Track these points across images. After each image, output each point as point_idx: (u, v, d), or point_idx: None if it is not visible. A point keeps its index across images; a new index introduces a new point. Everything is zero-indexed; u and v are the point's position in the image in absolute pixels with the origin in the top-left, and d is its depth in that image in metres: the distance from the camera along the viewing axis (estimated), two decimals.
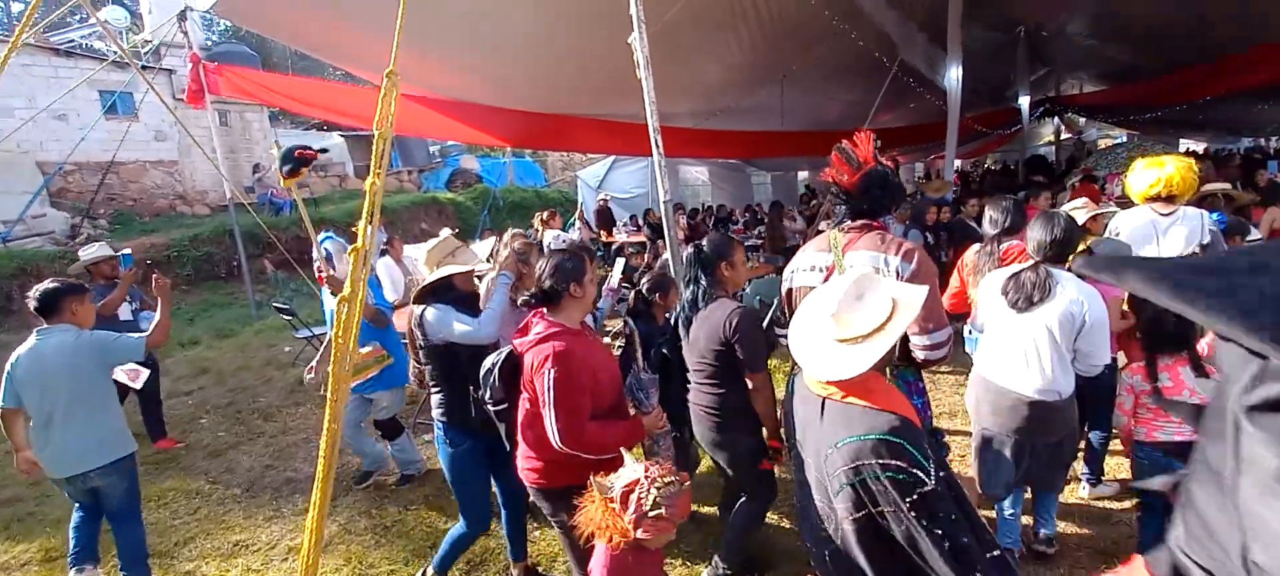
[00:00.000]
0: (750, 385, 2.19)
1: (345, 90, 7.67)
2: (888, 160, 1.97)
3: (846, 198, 1.97)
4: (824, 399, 1.40)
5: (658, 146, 3.07)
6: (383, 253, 5.63)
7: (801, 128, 10.72)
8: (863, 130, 1.99)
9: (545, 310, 1.96)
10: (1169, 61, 9.23)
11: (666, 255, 5.72)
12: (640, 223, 10.59)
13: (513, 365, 1.98)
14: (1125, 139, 21.85)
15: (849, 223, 1.98)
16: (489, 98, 6.86)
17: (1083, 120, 19.62)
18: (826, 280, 2.03)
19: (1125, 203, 3.53)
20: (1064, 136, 18.58)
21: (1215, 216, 2.99)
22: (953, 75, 7.46)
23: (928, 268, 1.86)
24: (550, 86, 6.76)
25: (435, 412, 2.46)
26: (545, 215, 5.48)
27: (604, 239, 9.30)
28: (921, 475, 1.22)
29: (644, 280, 2.87)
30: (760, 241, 8.31)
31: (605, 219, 10.47)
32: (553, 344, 1.84)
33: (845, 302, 1.38)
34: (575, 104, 7.39)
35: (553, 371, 1.79)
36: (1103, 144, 22.92)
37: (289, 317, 6.10)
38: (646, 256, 6.36)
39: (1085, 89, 14.33)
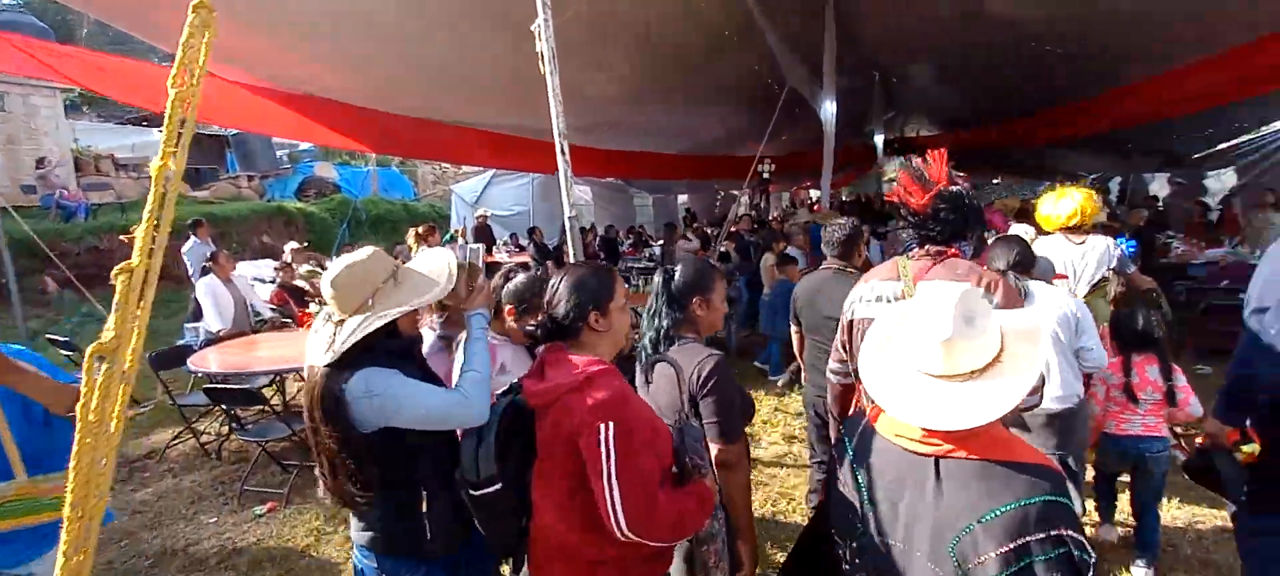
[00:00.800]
0: (718, 458, 1.66)
1: (165, 74, 6.36)
2: (962, 178, 1.78)
3: (915, 221, 1.79)
4: (935, 457, 1.02)
5: (563, 154, 2.64)
6: (205, 271, 4.59)
7: (685, 149, 10.82)
8: (936, 149, 1.80)
9: (562, 347, 1.43)
10: (997, 112, 10.47)
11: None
12: (522, 242, 10.01)
13: (515, 424, 1.41)
14: None
15: (918, 249, 1.83)
16: (353, 96, 5.98)
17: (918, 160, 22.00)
18: None
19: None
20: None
21: (1123, 242, 3.22)
22: (828, 108, 7.82)
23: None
24: (426, 89, 6.05)
25: (358, 537, 1.61)
26: (421, 229, 4.79)
27: (484, 260, 8.59)
28: (1089, 550, 0.91)
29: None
30: (652, 264, 8.09)
31: (484, 237, 9.73)
32: (602, 387, 1.30)
33: (958, 326, 1.02)
34: (455, 111, 6.72)
35: (611, 426, 1.26)
36: None
37: (69, 353, 4.78)
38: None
39: (922, 133, 16.20)
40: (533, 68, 2.63)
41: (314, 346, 1.52)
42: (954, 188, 1.76)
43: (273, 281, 5.91)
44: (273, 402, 3.72)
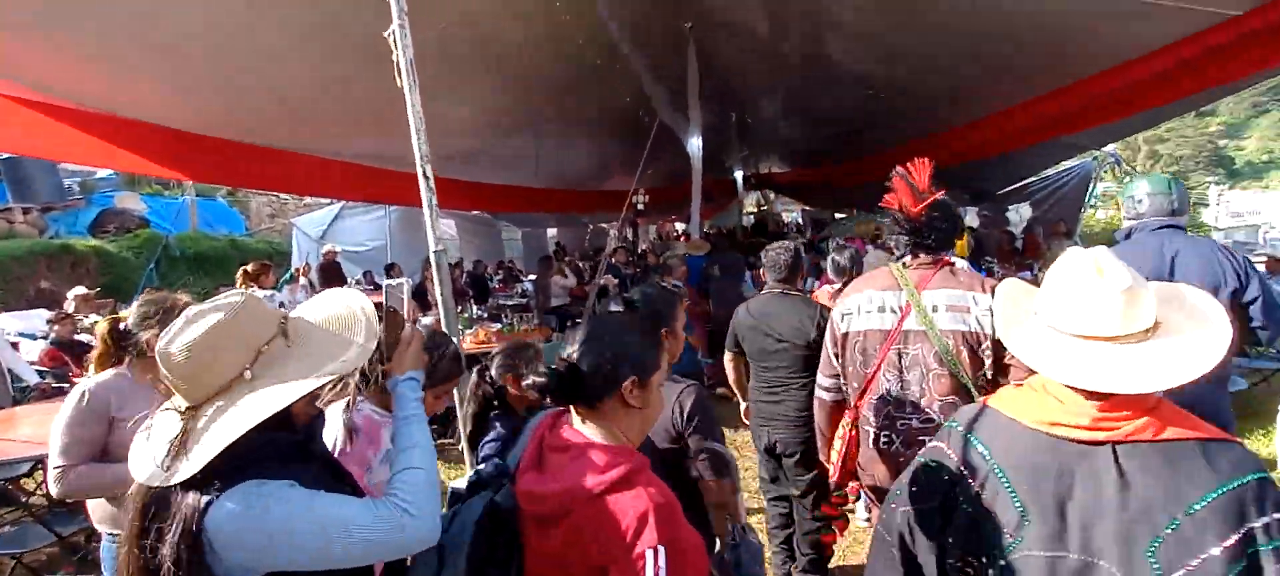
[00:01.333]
0: (715, 497, 1.49)
1: None
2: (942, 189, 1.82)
3: (909, 228, 1.82)
4: (1111, 443, 0.84)
5: (427, 179, 2.30)
6: None
7: (553, 183, 10.63)
8: (918, 160, 1.84)
9: (575, 416, 1.04)
10: (838, 152, 11.55)
11: (429, 320, 4.75)
12: (378, 280, 9.17)
13: (493, 538, 1.01)
14: (799, 212, 27.05)
15: (911, 258, 1.86)
16: (168, 116, 5.01)
17: (773, 194, 23.86)
18: (902, 322, 1.79)
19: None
20: (763, 207, 22.43)
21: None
22: (695, 144, 8.08)
23: None
24: (260, 110, 5.27)
25: None
26: (250, 268, 4.05)
27: None
28: None
29: (493, 356, 1.96)
30: (525, 300, 7.71)
31: (333, 275, 8.74)
32: (643, 492, 0.93)
33: (1134, 278, 0.90)
34: (304, 138, 5.94)
35: (662, 553, 0.88)
36: (785, 216, 27.88)
37: None
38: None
39: (775, 169, 17.60)
40: (392, 92, 2.29)
41: (144, 455, 0.93)
42: (943, 197, 1.81)
43: (46, 337, 4.73)
44: (35, 497, 2.87)
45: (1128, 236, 2.38)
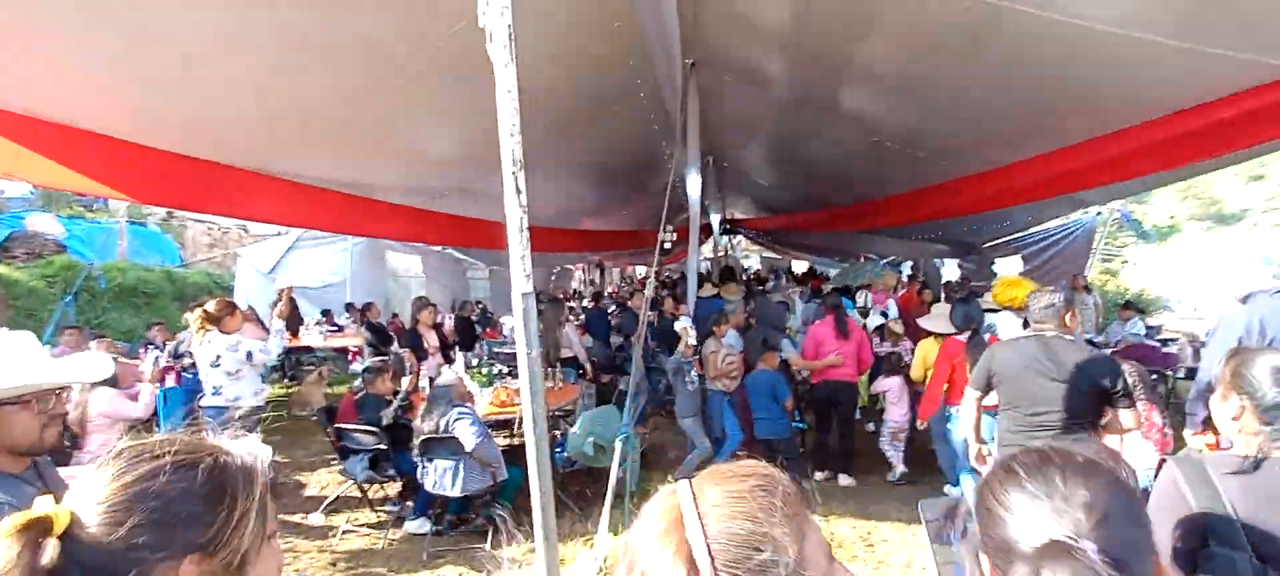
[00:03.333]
0: None
1: None
2: None
3: None
4: None
5: (520, 192, 1.71)
6: None
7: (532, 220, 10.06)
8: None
9: None
10: (820, 199, 11.48)
11: (450, 373, 4.01)
12: (339, 320, 8.26)
13: None
14: (758, 259, 27.25)
15: None
16: (114, 125, 4.08)
17: (736, 241, 23.93)
18: None
19: None
20: (726, 253, 22.43)
21: None
22: (694, 183, 7.76)
23: None
24: (227, 125, 4.42)
25: None
26: (212, 307, 3.19)
27: (289, 342, 6.70)
28: None
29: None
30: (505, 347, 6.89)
31: (291, 316, 7.76)
32: None
33: None
34: (260, 154, 5.09)
35: None
36: (745, 261, 28.01)
37: None
38: (411, 378, 4.33)
39: (742, 215, 17.63)
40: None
41: None
42: None
43: None
44: None
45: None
